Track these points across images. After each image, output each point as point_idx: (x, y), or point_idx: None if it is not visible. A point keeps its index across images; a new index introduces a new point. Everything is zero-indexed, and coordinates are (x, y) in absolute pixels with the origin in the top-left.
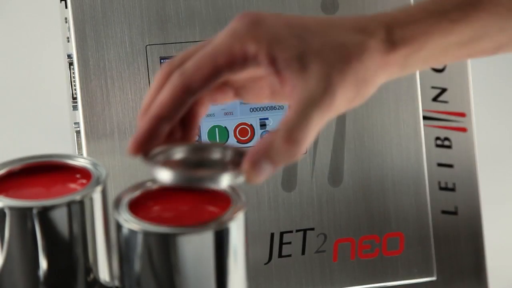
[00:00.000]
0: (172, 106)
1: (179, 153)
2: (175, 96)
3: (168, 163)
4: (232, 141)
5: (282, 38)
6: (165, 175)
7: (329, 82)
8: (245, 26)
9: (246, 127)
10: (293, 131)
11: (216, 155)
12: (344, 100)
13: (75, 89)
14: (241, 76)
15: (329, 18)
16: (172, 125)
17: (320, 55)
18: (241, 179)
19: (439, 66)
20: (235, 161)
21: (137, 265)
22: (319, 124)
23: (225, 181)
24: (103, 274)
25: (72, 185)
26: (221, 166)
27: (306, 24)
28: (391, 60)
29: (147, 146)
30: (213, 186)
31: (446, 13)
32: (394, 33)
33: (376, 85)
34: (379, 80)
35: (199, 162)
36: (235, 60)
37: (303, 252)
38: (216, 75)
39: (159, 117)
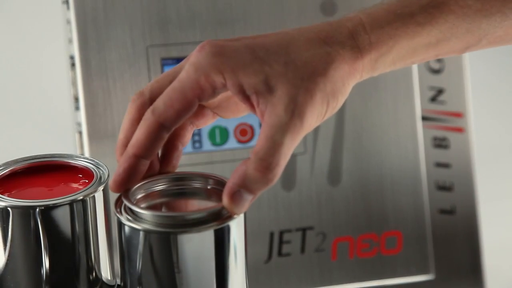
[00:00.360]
0: (148, 144)
1: (160, 184)
2: (150, 134)
3: (149, 196)
4: (232, 141)
5: (246, 64)
6: (146, 217)
7: (296, 104)
8: (207, 58)
9: (246, 127)
10: (264, 159)
11: (197, 184)
12: (315, 117)
13: (77, 90)
14: (214, 99)
15: (292, 33)
16: (150, 160)
17: (285, 76)
18: (224, 213)
19: (408, 66)
20: (216, 190)
21: (139, 263)
22: (291, 147)
23: (209, 219)
24: (105, 273)
25: (75, 185)
26: (202, 196)
27: (267, 44)
28: (359, 66)
29: (127, 184)
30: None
31: (413, 16)
32: (360, 40)
33: (346, 93)
34: (349, 88)
35: (181, 192)
36: (204, 93)
37: (302, 251)
38: (187, 109)
39: (137, 156)
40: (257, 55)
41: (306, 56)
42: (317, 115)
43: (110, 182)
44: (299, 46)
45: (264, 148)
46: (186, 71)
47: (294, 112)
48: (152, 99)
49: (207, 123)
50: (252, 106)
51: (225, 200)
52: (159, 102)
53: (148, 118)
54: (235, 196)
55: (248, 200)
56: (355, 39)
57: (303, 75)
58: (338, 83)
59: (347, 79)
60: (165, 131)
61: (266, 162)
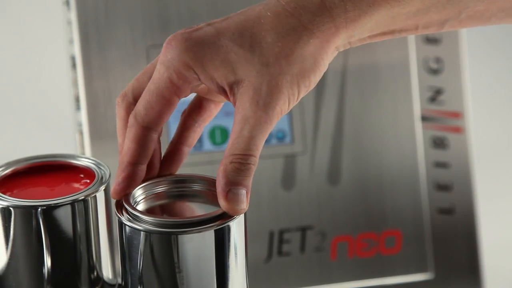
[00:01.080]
0: (139, 150)
1: (160, 186)
2: (138, 140)
3: (150, 198)
4: None
5: (213, 55)
6: (147, 221)
7: (261, 96)
8: (175, 54)
9: None
10: (235, 154)
11: (197, 186)
12: (286, 102)
13: (77, 90)
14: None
15: (258, 10)
16: (146, 164)
17: (251, 63)
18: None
19: (384, 37)
20: (215, 193)
21: (139, 263)
22: (262, 137)
23: (208, 223)
24: (106, 272)
25: (76, 185)
26: (203, 198)
27: (232, 27)
28: (333, 39)
29: (128, 190)
30: (197, 229)
31: None
32: (334, 8)
33: (320, 69)
34: (323, 63)
35: (181, 194)
36: (181, 90)
37: (302, 250)
38: (168, 108)
39: (131, 163)
40: (222, 43)
41: (272, 37)
42: (288, 99)
43: (111, 191)
44: (265, 24)
45: (234, 144)
46: (157, 71)
47: (259, 103)
48: (135, 99)
49: (212, 115)
50: (227, 98)
51: (222, 203)
52: (139, 107)
53: (132, 124)
54: (229, 196)
55: (243, 194)
56: (327, 8)
57: (268, 59)
58: (308, 61)
59: (320, 55)
60: (153, 133)
61: (239, 155)
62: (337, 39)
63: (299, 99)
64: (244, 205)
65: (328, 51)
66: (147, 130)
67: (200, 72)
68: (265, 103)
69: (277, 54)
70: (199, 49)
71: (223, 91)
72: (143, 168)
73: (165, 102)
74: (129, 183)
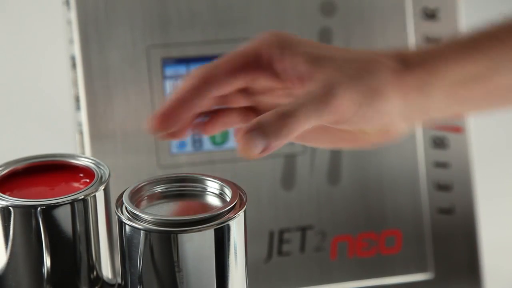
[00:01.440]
0: (190, 91)
1: (159, 185)
2: (193, 83)
3: (150, 197)
4: (233, 140)
5: (304, 42)
6: (147, 220)
7: (330, 83)
8: (273, 37)
9: None
10: (280, 109)
11: (197, 185)
12: (349, 103)
13: (77, 90)
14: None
15: (349, 49)
16: (188, 114)
17: (333, 61)
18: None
19: (462, 110)
20: (217, 192)
21: (139, 262)
22: (313, 114)
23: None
24: (106, 272)
25: (76, 184)
26: (202, 197)
27: (326, 45)
28: (405, 81)
29: (164, 124)
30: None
31: (461, 43)
32: (408, 55)
33: (389, 99)
34: (393, 95)
35: (181, 194)
36: (260, 61)
37: (302, 250)
38: (231, 76)
39: (177, 99)
40: (315, 44)
41: (356, 53)
42: (352, 101)
43: (150, 124)
44: (350, 50)
45: (287, 105)
46: (249, 43)
47: (325, 85)
48: None
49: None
50: (298, 83)
51: (239, 138)
52: (207, 65)
53: (194, 74)
54: (246, 136)
55: (259, 145)
56: (402, 54)
57: (348, 64)
58: (381, 83)
59: (391, 86)
60: (207, 91)
61: (283, 109)
62: (408, 84)
63: (357, 113)
64: (253, 154)
65: (400, 92)
66: (203, 85)
67: (288, 53)
68: (331, 87)
69: (357, 66)
70: (291, 36)
71: (298, 79)
72: (183, 112)
73: (231, 66)
74: (167, 116)
